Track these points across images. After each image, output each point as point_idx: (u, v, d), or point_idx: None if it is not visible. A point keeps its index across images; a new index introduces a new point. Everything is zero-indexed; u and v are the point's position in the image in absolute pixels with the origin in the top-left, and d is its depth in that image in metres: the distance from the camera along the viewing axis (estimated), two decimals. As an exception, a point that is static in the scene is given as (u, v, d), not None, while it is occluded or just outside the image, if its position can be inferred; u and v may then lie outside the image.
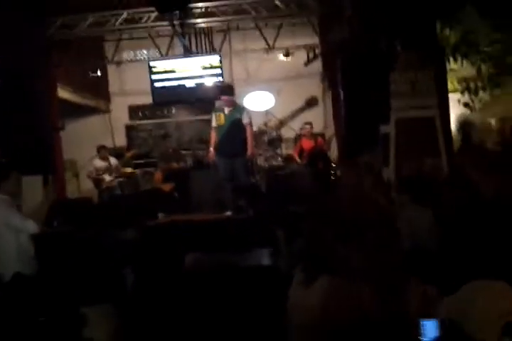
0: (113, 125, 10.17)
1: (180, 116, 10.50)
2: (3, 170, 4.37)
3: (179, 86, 7.60)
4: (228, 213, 6.14)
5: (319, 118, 9.74)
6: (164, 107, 10.20)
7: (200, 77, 7.58)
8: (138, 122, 10.48)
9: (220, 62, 7.58)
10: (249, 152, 6.08)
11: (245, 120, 6.00)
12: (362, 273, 2.63)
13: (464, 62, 7.86)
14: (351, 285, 2.59)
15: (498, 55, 7.83)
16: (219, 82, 7.57)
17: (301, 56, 9.53)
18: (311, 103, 9.75)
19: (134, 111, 10.47)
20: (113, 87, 10.32)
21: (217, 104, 6.65)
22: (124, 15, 6.59)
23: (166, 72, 7.64)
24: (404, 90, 6.45)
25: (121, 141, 10.18)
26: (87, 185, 8.43)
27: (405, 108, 6.41)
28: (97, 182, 7.77)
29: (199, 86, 7.61)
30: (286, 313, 2.72)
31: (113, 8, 6.48)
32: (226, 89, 6.11)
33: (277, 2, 6.54)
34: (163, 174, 7.10)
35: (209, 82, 7.59)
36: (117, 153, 8.59)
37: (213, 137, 6.18)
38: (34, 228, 3.90)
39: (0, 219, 3.91)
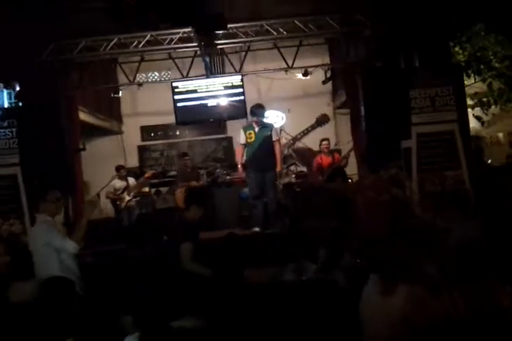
0: (125, 146, 10.23)
1: (190, 136, 10.58)
2: (40, 191, 4.46)
3: (201, 105, 7.71)
4: (256, 229, 6.19)
5: (331, 136, 9.85)
6: (176, 127, 10.30)
7: (222, 96, 7.71)
8: (150, 142, 10.53)
9: (242, 81, 7.72)
10: (278, 167, 6.28)
11: (274, 137, 6.23)
12: (442, 279, 2.67)
13: (476, 78, 8.08)
14: (432, 292, 2.62)
15: (508, 71, 8.06)
16: (238, 101, 7.68)
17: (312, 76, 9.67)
18: (322, 121, 9.87)
19: (145, 131, 10.53)
20: (125, 108, 10.40)
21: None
22: (148, 37, 6.69)
23: (188, 92, 7.77)
24: (424, 106, 6.62)
25: (133, 161, 10.21)
26: (103, 205, 8.39)
27: (425, 123, 6.57)
28: (116, 201, 7.75)
29: (221, 105, 7.73)
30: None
31: (136, 30, 6.58)
32: (258, 109, 6.31)
33: (297, 22, 6.69)
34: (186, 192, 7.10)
35: (231, 101, 7.71)
36: (132, 173, 8.62)
37: (240, 154, 6.35)
38: (73, 248, 3.87)
39: (41, 239, 3.94)
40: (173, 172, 9.19)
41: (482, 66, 7.92)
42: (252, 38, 6.85)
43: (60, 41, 6.75)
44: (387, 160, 6.79)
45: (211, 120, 8.17)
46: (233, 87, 7.68)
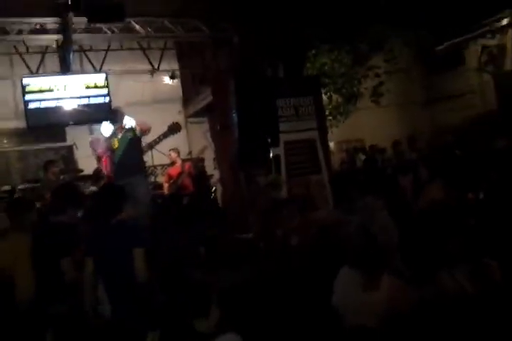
0: None
1: (22, 144, 9.16)
2: None
3: (58, 107, 6.68)
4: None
5: (183, 144, 9.65)
6: (2, 134, 8.85)
7: (83, 97, 6.82)
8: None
9: (107, 80, 6.96)
10: None
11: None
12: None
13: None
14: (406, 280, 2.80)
15: (344, 86, 9.04)
16: (102, 103, 6.92)
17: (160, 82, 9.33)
18: (174, 129, 9.54)
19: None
20: None
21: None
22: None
23: (42, 91, 6.66)
24: (289, 114, 6.95)
25: None
26: None
27: (291, 131, 6.90)
28: None
29: (81, 107, 6.81)
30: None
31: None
32: (115, 115, 5.68)
33: (167, 23, 6.41)
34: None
35: (93, 102, 6.86)
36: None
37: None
38: None
39: None
40: (5, 187, 7.80)
41: (326, 80, 8.69)
42: (117, 34, 6.28)
43: None
44: (258, 167, 6.99)
45: (71, 123, 7.17)
46: (96, 87, 6.89)
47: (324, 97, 9.20)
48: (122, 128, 5.70)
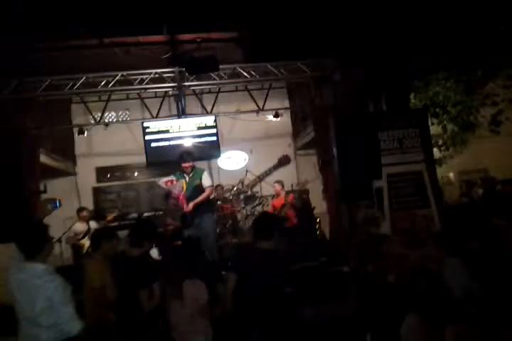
0: (79, 187, 9.75)
1: (150, 177, 10.25)
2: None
3: (173, 145, 7.50)
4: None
5: (292, 176, 9.94)
6: (134, 168, 10.02)
7: (195, 136, 7.56)
8: (106, 184, 10.09)
9: (215, 122, 7.63)
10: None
11: (206, 183, 6.20)
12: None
13: (433, 121, 8.52)
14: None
15: (460, 115, 8.59)
16: (211, 142, 7.59)
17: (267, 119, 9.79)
18: (283, 161, 9.93)
19: (101, 173, 10.12)
20: (79, 149, 10.00)
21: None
22: (118, 76, 6.52)
23: (159, 132, 7.56)
24: (392, 147, 6.85)
25: (88, 203, 9.67)
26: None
27: (395, 163, 6.76)
28: (77, 247, 7.23)
29: (194, 145, 7.55)
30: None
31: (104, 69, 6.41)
32: (188, 155, 6.32)
33: (270, 67, 6.79)
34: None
35: (204, 141, 7.56)
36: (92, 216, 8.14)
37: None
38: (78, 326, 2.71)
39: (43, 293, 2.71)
40: (133, 215, 8.77)
41: (438, 110, 8.36)
42: (226, 81, 6.84)
43: (23, 78, 6.41)
44: (360, 200, 6.93)
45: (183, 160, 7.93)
46: (206, 127, 7.57)
47: (438, 127, 8.85)
48: (189, 170, 6.16)
